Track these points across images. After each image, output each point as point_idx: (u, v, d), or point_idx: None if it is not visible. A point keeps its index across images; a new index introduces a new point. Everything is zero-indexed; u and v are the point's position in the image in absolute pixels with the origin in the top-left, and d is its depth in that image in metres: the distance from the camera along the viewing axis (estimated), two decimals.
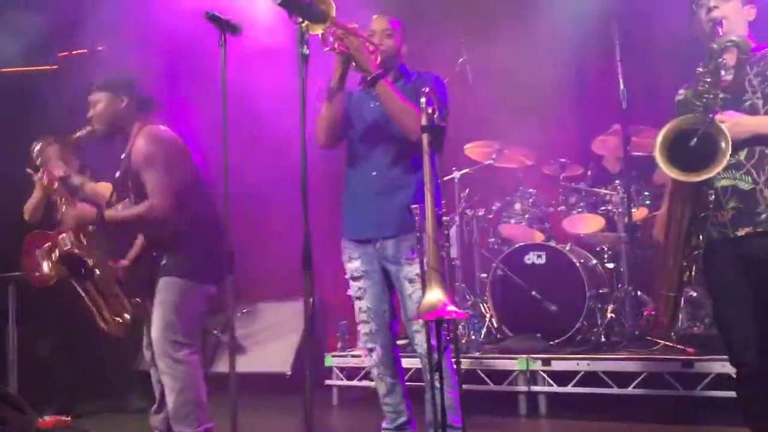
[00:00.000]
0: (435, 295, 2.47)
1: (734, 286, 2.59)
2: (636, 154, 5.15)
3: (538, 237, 5.49)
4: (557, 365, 4.50)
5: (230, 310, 3.26)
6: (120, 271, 3.50)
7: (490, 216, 5.63)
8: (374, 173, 3.30)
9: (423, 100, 2.71)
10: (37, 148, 3.62)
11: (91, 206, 3.39)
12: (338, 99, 3.28)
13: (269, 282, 6.21)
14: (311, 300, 2.50)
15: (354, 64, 3.16)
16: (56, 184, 3.50)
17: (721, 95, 2.46)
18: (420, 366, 3.45)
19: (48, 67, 6.11)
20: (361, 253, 3.34)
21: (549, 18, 5.66)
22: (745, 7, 2.67)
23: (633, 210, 5.10)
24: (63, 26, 5.77)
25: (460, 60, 5.37)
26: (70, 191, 3.54)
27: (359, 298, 3.37)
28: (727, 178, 2.56)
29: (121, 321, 3.41)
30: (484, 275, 5.39)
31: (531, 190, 5.58)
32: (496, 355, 4.75)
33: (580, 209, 5.41)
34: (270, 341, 5.91)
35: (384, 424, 3.42)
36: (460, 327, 4.89)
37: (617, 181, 5.27)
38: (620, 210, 5.17)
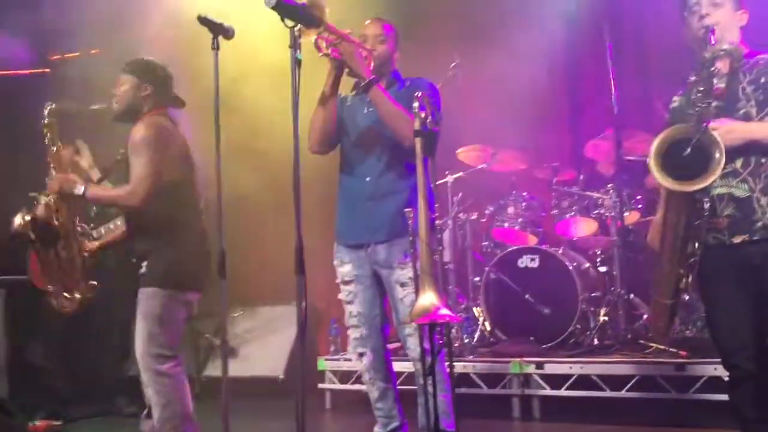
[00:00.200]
0: (428, 298, 2.47)
1: (728, 291, 2.59)
2: (628, 158, 5.17)
3: (531, 240, 5.50)
4: (550, 368, 4.50)
5: (223, 313, 3.23)
6: (86, 251, 3.48)
7: (483, 220, 5.63)
8: (368, 178, 3.30)
9: (416, 104, 2.72)
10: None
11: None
12: (331, 104, 3.28)
13: (262, 285, 6.19)
14: (304, 304, 2.50)
15: (347, 69, 3.16)
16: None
17: (714, 103, 2.46)
18: (412, 370, 3.45)
19: (40, 71, 6.10)
20: (352, 257, 3.34)
21: (541, 22, 5.67)
22: (736, 13, 2.67)
23: (625, 214, 5.12)
24: (56, 29, 5.76)
25: (453, 64, 5.38)
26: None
27: (350, 303, 3.37)
28: (724, 186, 2.55)
29: (70, 298, 3.38)
30: (477, 279, 5.39)
31: (524, 193, 5.59)
32: (490, 359, 4.74)
33: (572, 213, 5.42)
34: (262, 345, 5.90)
35: (376, 429, 3.41)
36: (453, 330, 4.88)
37: (609, 185, 5.29)
38: (613, 214, 5.18)
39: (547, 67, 5.84)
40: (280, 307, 6.01)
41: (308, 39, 2.88)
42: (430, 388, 2.68)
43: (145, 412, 3.43)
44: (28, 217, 3.46)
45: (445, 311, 2.47)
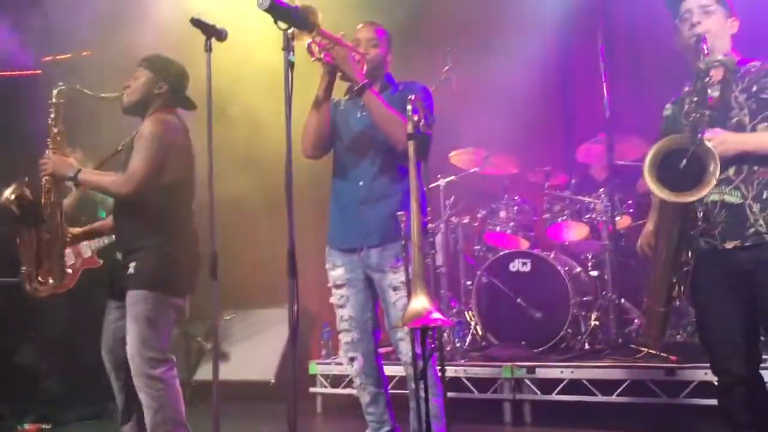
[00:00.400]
0: (420, 302, 2.46)
1: (720, 296, 2.60)
2: (620, 162, 5.19)
3: (523, 244, 5.51)
4: (542, 373, 4.50)
5: (214, 316, 3.22)
6: (68, 236, 3.45)
7: (476, 224, 5.64)
8: (361, 182, 3.29)
9: (409, 108, 2.71)
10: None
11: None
12: (324, 108, 3.27)
13: (253, 288, 6.18)
14: (295, 307, 2.49)
15: (340, 74, 3.16)
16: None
17: (708, 112, 2.47)
18: (404, 374, 3.44)
19: (32, 72, 6.08)
20: (345, 261, 3.33)
21: (534, 26, 5.69)
22: (728, 21, 2.68)
23: (617, 218, 5.13)
24: (48, 30, 5.74)
25: (446, 68, 5.38)
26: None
27: (341, 307, 3.36)
28: (717, 193, 2.56)
29: (44, 282, 3.35)
30: (469, 283, 5.40)
31: (516, 197, 5.59)
32: (481, 363, 4.74)
33: (564, 217, 5.43)
34: (254, 349, 5.88)
35: None
36: (445, 335, 4.88)
37: (601, 189, 5.30)
38: (604, 218, 5.19)
39: (540, 71, 5.87)
40: (272, 311, 5.99)
41: (301, 43, 2.88)
42: (421, 393, 2.68)
43: (119, 417, 3.38)
44: (15, 194, 3.41)
45: (437, 315, 2.46)
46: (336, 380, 5.14)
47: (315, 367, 5.20)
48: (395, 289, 3.19)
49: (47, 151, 3.35)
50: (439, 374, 3.05)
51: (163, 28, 5.27)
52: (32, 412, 4.83)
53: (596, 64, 5.06)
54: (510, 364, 4.55)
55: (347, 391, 4.99)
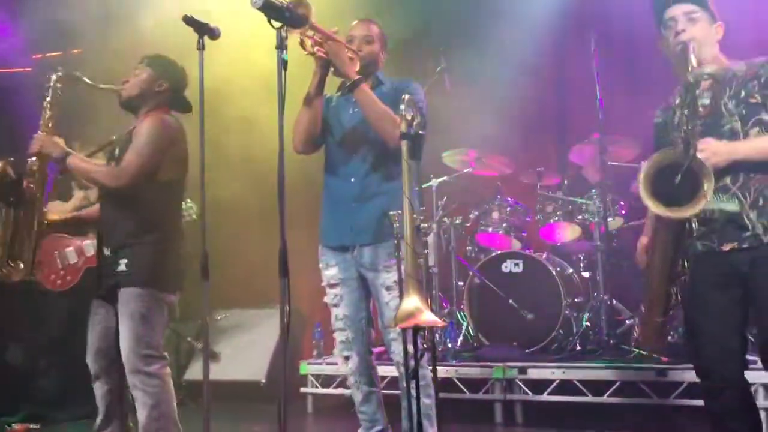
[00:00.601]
0: (412, 302, 2.46)
1: (712, 296, 2.58)
2: (613, 163, 5.20)
3: (515, 245, 5.51)
4: (533, 373, 4.50)
5: (204, 316, 3.20)
6: (46, 221, 3.39)
7: (468, 224, 5.64)
8: (353, 179, 3.28)
9: (402, 107, 2.71)
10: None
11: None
12: (316, 104, 3.26)
13: (244, 288, 6.16)
14: (287, 307, 2.47)
15: (333, 69, 3.15)
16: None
17: (700, 123, 2.47)
18: (396, 374, 3.43)
19: (22, 69, 6.05)
20: (338, 260, 3.32)
21: (527, 26, 5.70)
22: (712, 27, 2.66)
23: (609, 219, 5.14)
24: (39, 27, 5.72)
25: (439, 68, 5.38)
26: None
27: (336, 306, 3.35)
28: (714, 201, 2.55)
29: (14, 266, 3.29)
30: (461, 283, 5.39)
31: (508, 198, 5.60)
32: (473, 363, 4.74)
33: (556, 218, 5.44)
34: (244, 349, 5.86)
35: None
36: (437, 335, 4.88)
37: (594, 190, 5.31)
38: (596, 219, 5.20)
39: (533, 72, 5.87)
40: (263, 311, 5.97)
41: (294, 38, 2.86)
42: (413, 392, 2.67)
43: (98, 422, 3.31)
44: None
45: (429, 315, 2.46)
46: (327, 380, 5.12)
47: (306, 367, 5.19)
48: (388, 288, 3.18)
49: (38, 132, 3.32)
50: (431, 374, 3.05)
51: (155, 27, 5.24)
52: (23, 411, 4.79)
53: (589, 65, 5.07)
54: (501, 364, 4.55)
55: (338, 391, 4.98)
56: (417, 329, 2.52)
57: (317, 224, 3.46)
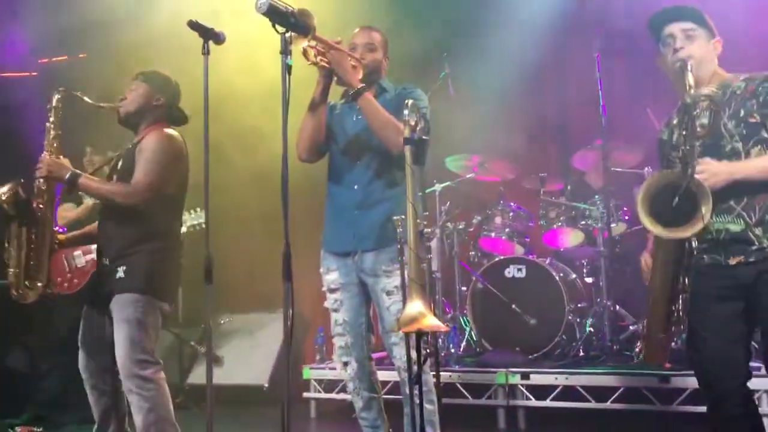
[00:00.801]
0: (416, 307, 2.46)
1: (717, 307, 2.57)
2: (616, 169, 5.20)
3: (518, 251, 5.51)
4: (536, 379, 4.50)
5: (208, 321, 3.21)
6: (56, 242, 3.44)
7: (471, 229, 5.64)
8: (356, 186, 3.28)
9: (406, 112, 2.71)
10: None
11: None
12: (320, 112, 3.27)
13: (248, 293, 6.16)
14: (291, 311, 2.48)
15: (336, 78, 3.16)
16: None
17: (698, 143, 2.47)
18: (397, 379, 3.43)
19: (28, 74, 6.07)
20: (339, 265, 3.32)
21: (531, 33, 5.70)
22: (711, 43, 2.65)
23: (612, 225, 5.14)
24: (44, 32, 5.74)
25: (442, 74, 5.39)
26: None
27: (335, 311, 3.34)
28: (719, 222, 2.55)
29: (30, 286, 3.33)
30: (464, 288, 5.40)
31: (511, 203, 5.60)
32: (476, 369, 4.74)
33: (559, 223, 5.44)
34: (247, 353, 5.86)
35: None
36: (440, 340, 4.88)
37: (597, 196, 5.31)
38: (599, 225, 5.20)
39: (536, 78, 5.88)
40: (266, 315, 5.97)
41: (297, 47, 2.87)
42: (416, 398, 2.67)
43: (95, 429, 3.35)
44: (11, 193, 3.38)
45: (432, 320, 2.45)
46: (330, 385, 5.12)
47: (309, 372, 5.19)
48: (389, 293, 3.18)
49: (43, 153, 3.35)
50: (434, 380, 3.04)
51: (160, 31, 5.26)
52: (26, 414, 4.79)
53: (592, 71, 5.08)
54: (504, 370, 4.55)
55: (341, 396, 4.98)
56: (420, 334, 2.51)
57: (320, 228, 3.46)
